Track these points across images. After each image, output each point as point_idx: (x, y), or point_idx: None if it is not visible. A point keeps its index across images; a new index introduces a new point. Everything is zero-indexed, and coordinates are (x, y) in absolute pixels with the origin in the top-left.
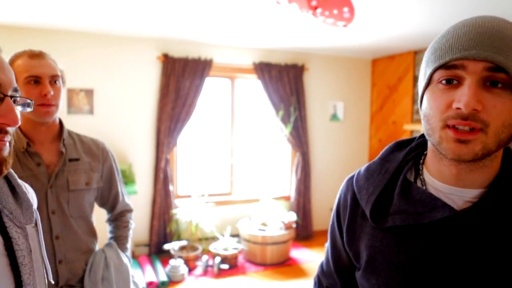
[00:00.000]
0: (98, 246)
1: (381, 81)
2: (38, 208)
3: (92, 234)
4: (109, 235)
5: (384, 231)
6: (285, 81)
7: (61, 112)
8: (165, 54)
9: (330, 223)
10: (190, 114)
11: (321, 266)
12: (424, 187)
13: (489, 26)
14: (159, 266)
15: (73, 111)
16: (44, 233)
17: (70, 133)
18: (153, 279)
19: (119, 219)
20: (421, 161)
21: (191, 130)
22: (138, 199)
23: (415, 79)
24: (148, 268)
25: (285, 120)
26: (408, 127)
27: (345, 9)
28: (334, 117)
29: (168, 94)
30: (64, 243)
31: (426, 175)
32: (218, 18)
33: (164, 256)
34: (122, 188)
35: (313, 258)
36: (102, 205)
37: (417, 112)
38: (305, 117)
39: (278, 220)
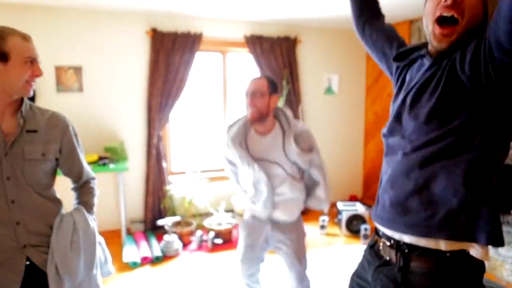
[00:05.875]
0: (64, 210)
1: None
2: None
3: (53, 199)
4: (74, 201)
5: None
6: (278, 54)
7: (50, 91)
8: (153, 29)
9: None
10: (181, 89)
11: None
12: None
13: None
14: (154, 241)
15: (62, 89)
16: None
17: (31, 107)
18: (148, 254)
19: (84, 186)
20: None
21: (184, 106)
22: (131, 176)
23: None
24: (143, 243)
25: None
26: None
27: None
28: (328, 90)
29: (158, 69)
30: (20, 207)
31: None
32: None
33: (159, 232)
34: (84, 159)
35: (309, 231)
36: (67, 174)
37: None
38: (298, 90)
39: None
